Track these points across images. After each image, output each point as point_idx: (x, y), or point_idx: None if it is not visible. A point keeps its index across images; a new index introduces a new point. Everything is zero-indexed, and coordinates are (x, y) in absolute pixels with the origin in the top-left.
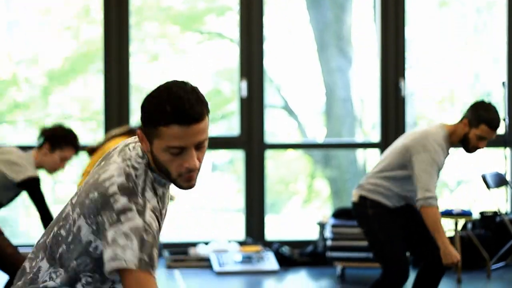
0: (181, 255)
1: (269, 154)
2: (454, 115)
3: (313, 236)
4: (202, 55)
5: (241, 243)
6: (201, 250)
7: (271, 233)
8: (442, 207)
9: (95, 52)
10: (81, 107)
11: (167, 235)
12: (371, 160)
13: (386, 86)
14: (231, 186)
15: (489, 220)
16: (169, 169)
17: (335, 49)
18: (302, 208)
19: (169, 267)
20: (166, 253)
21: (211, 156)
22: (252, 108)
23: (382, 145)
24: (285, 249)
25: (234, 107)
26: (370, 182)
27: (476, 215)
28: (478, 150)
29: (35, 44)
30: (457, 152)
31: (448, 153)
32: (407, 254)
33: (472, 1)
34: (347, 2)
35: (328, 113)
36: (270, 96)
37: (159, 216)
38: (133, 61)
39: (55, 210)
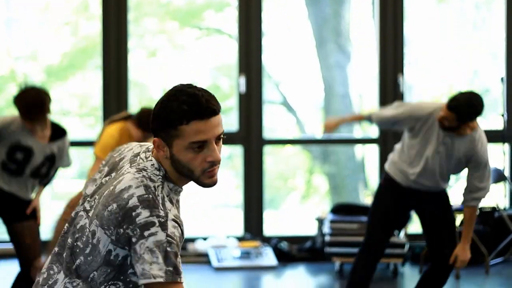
0: (180, 250)
1: (267, 149)
2: None
3: (311, 232)
4: (200, 51)
5: (240, 239)
6: (199, 246)
7: (269, 229)
8: None
9: (93, 48)
10: (79, 103)
11: None
12: (369, 156)
13: (385, 81)
14: (229, 182)
15: (488, 216)
16: (192, 167)
17: (333, 45)
18: (301, 203)
19: None
20: None
21: None
22: (250, 104)
23: (381, 141)
24: (284, 245)
25: (233, 102)
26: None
27: None
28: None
29: (34, 40)
30: None
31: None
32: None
33: None
34: None
35: (326, 109)
36: (268, 92)
37: (181, 222)
38: (131, 57)
39: (55, 206)
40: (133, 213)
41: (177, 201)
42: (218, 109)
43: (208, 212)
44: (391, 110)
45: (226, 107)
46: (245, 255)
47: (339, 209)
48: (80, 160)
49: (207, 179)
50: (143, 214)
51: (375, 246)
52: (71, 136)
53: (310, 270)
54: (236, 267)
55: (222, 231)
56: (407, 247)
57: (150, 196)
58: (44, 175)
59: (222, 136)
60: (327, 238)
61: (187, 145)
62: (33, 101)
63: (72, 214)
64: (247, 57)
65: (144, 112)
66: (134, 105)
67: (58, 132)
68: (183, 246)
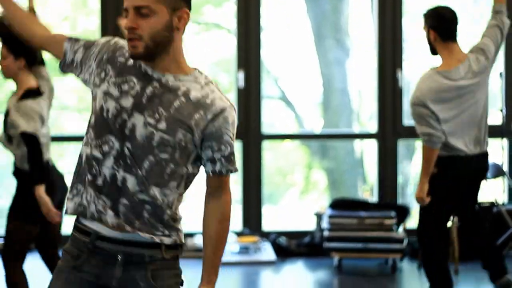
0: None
1: (266, 145)
2: None
3: (310, 227)
4: (199, 46)
5: (238, 234)
6: (198, 241)
7: (268, 224)
8: None
9: None
10: (78, 98)
11: None
12: (368, 151)
13: (383, 77)
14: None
15: (486, 211)
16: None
17: (332, 40)
18: (299, 198)
19: None
20: None
21: None
22: (249, 99)
23: (379, 136)
24: (282, 240)
25: (231, 98)
26: None
27: None
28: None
29: None
30: None
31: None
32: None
33: None
34: None
35: (325, 104)
36: (267, 87)
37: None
38: None
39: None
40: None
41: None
42: None
43: None
44: None
45: None
46: (244, 250)
47: (337, 204)
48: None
49: (129, 48)
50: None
51: None
52: (69, 131)
53: (309, 265)
54: (234, 262)
55: None
56: (405, 242)
57: None
58: None
59: (143, 11)
60: (326, 233)
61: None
62: None
63: None
64: (246, 52)
65: None
66: None
67: None
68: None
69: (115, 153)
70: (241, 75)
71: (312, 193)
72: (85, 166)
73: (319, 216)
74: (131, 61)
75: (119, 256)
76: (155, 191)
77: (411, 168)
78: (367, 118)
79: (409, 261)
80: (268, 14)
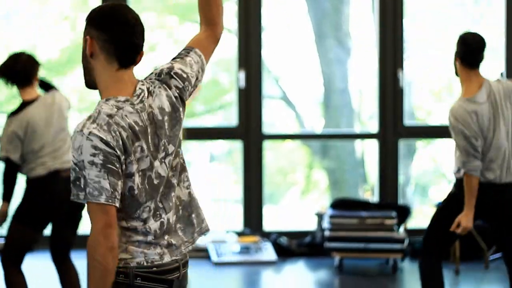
0: None
1: (267, 144)
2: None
3: (311, 227)
4: None
5: (239, 234)
6: (199, 241)
7: (269, 224)
8: (440, 198)
9: None
10: (78, 98)
11: None
12: (369, 151)
13: (384, 76)
14: (229, 177)
15: None
16: None
17: (333, 40)
18: (300, 198)
19: None
20: None
21: (209, 147)
22: (250, 99)
23: (380, 136)
24: (283, 240)
25: (232, 97)
26: None
27: None
28: None
29: (33, 35)
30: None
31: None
32: None
33: None
34: None
35: (326, 104)
36: (268, 87)
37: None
38: None
39: None
40: None
41: None
42: None
43: (207, 207)
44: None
45: (226, 102)
46: (245, 250)
47: (338, 204)
48: None
49: None
50: None
51: None
52: (70, 129)
53: (310, 265)
54: (235, 262)
55: (222, 226)
56: (406, 242)
57: None
58: None
59: None
60: (327, 233)
61: None
62: None
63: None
64: (247, 52)
65: None
66: None
67: None
68: None
69: None
70: (242, 75)
71: (313, 193)
72: None
73: (320, 216)
74: None
75: None
76: None
77: (412, 168)
78: (368, 118)
79: (410, 261)
80: (269, 13)
